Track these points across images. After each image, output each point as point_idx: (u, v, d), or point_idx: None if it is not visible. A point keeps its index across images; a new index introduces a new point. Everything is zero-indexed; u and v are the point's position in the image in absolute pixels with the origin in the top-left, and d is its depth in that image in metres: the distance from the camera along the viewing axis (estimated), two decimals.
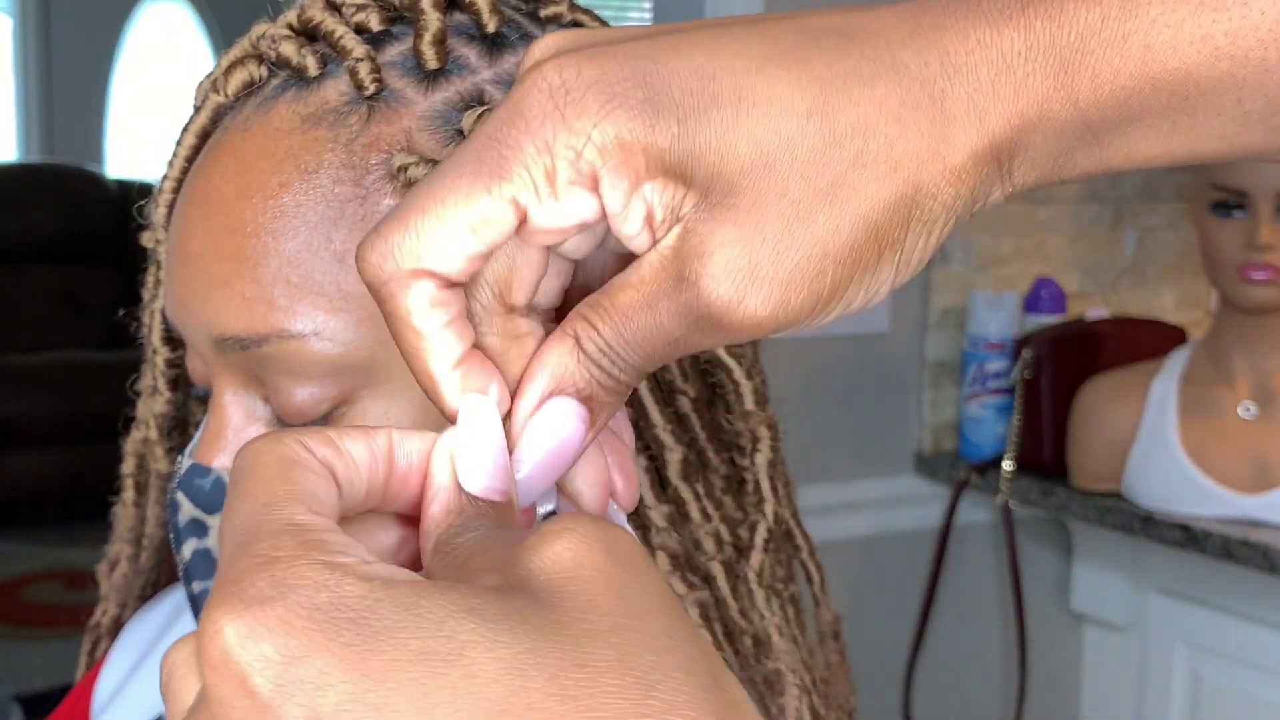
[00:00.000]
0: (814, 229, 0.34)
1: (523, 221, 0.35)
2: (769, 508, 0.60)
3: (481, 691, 0.26)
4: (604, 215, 0.35)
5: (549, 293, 0.39)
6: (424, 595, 0.27)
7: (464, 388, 0.36)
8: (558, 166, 0.34)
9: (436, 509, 0.34)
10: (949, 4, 0.36)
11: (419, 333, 0.36)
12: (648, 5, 3.02)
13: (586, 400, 0.36)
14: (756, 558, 0.59)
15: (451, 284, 0.35)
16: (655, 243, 0.35)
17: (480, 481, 0.35)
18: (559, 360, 0.36)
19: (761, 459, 0.60)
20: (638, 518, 0.58)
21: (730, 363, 0.59)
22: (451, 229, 0.34)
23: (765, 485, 0.60)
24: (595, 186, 0.35)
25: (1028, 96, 0.35)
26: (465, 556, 0.32)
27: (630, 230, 0.35)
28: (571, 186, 0.34)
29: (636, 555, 0.30)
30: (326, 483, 0.32)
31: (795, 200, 0.34)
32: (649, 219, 0.35)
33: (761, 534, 0.59)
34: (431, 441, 0.36)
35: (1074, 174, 0.37)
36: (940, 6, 0.36)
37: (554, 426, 0.36)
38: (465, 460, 0.35)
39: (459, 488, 0.34)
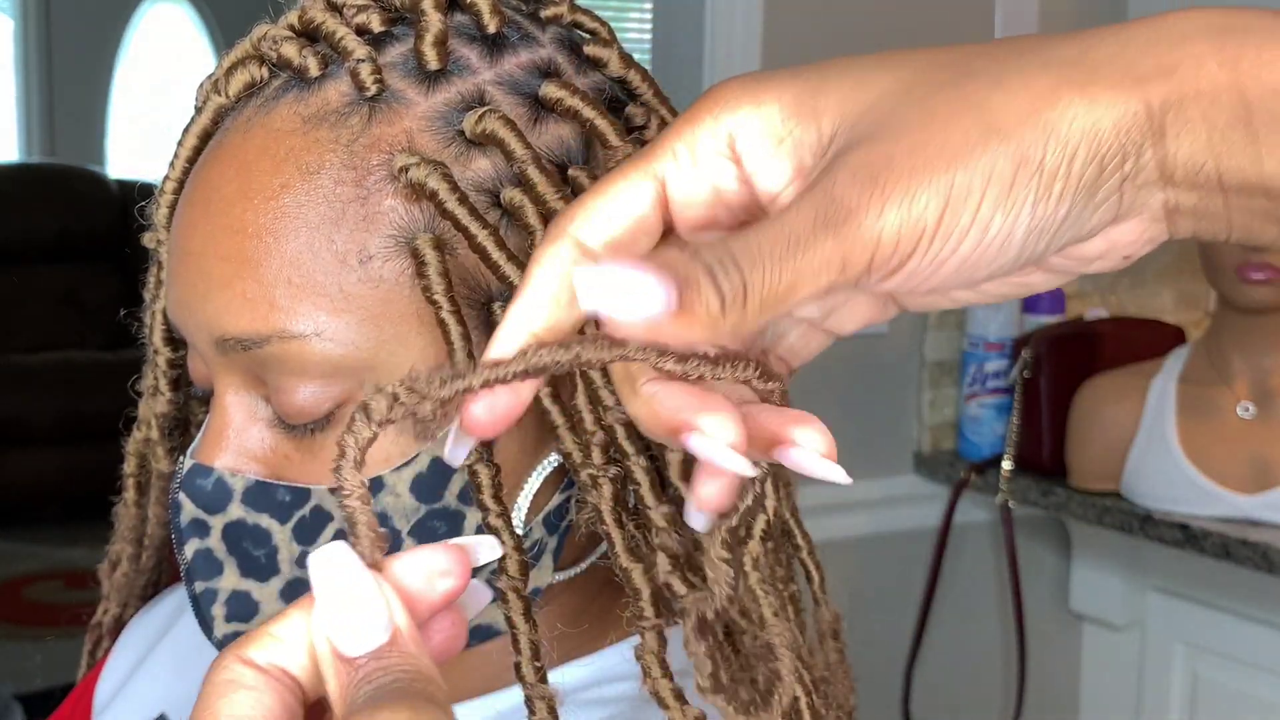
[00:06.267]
0: (949, 133, 0.34)
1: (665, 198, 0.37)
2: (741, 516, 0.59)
3: None
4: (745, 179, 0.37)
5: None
6: None
7: None
8: (698, 136, 0.37)
9: (332, 687, 0.33)
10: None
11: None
12: (647, 5, 3.02)
13: (680, 281, 0.33)
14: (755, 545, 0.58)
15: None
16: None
17: (359, 644, 0.33)
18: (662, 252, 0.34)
19: None
20: (639, 517, 0.58)
21: None
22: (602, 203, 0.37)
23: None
24: (734, 151, 0.37)
25: (1181, 52, 0.34)
26: None
27: (772, 183, 0.37)
28: (711, 154, 0.37)
29: None
30: (260, 696, 0.33)
31: (930, 109, 0.35)
32: (798, 169, 0.37)
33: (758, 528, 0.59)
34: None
35: (1232, 172, 0.34)
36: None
37: (628, 290, 0.33)
38: (337, 628, 0.33)
39: (342, 658, 0.33)
